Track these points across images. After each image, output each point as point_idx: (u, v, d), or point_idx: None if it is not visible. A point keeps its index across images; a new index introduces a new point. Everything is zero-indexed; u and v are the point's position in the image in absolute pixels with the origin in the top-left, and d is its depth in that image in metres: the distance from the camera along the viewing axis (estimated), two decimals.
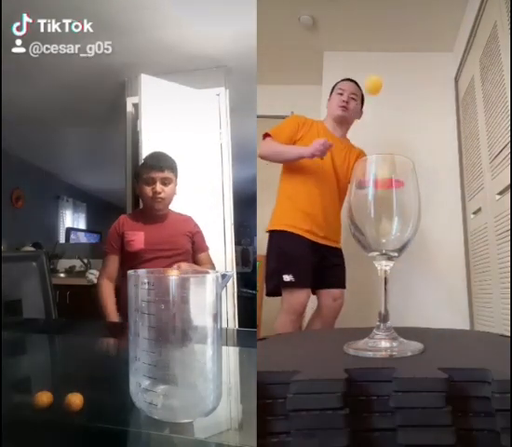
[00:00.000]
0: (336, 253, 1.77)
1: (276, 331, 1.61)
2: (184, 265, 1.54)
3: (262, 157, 1.74)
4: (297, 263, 1.64)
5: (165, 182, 1.68)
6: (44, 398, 0.55)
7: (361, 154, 1.83)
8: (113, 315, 1.60)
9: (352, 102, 1.81)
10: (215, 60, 2.76)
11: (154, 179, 1.67)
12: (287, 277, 1.61)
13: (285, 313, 1.63)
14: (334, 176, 1.75)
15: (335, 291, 1.74)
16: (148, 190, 1.68)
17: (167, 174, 1.68)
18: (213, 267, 1.80)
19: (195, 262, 1.77)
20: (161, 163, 1.70)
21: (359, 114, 1.87)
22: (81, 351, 0.96)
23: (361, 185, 0.58)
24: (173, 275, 1.50)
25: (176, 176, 1.74)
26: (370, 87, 1.71)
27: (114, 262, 1.70)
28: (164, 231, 1.71)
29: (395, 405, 0.42)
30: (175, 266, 1.51)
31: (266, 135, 1.77)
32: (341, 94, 1.81)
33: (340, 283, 1.76)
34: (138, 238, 1.67)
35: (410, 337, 0.57)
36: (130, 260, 1.68)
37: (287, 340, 0.74)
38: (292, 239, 1.66)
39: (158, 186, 1.67)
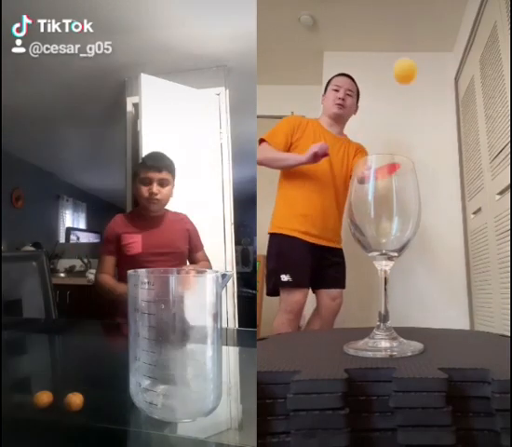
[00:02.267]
0: (336, 253, 1.76)
1: (275, 330, 1.61)
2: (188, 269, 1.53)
3: (260, 164, 1.74)
4: (294, 263, 1.65)
5: (162, 183, 1.65)
6: (44, 397, 0.55)
7: (360, 148, 1.82)
8: (121, 287, 1.55)
9: (348, 99, 1.79)
10: (215, 60, 2.76)
11: (151, 179, 1.64)
12: (284, 277, 1.62)
13: (283, 312, 1.64)
14: (333, 175, 1.74)
15: (334, 291, 1.74)
16: (144, 190, 1.65)
17: (164, 175, 1.65)
18: (209, 264, 1.80)
19: (192, 260, 1.77)
20: (159, 163, 1.66)
21: (355, 109, 1.85)
22: (81, 351, 0.96)
23: (361, 185, 0.58)
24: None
25: (174, 178, 1.70)
26: (401, 74, 1.50)
27: (110, 262, 1.67)
28: (161, 234, 1.69)
29: (395, 405, 0.42)
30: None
31: (262, 140, 1.76)
32: (336, 91, 1.79)
33: (338, 283, 1.76)
34: (135, 242, 1.64)
35: (410, 337, 0.57)
36: (127, 263, 1.63)
37: (287, 340, 0.74)
38: (290, 241, 1.67)
39: (155, 187, 1.63)
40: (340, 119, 1.83)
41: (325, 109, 1.84)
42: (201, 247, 1.81)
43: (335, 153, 1.75)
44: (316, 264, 1.69)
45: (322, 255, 1.71)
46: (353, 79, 1.83)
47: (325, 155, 1.60)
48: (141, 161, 1.74)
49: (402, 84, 1.46)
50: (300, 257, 1.66)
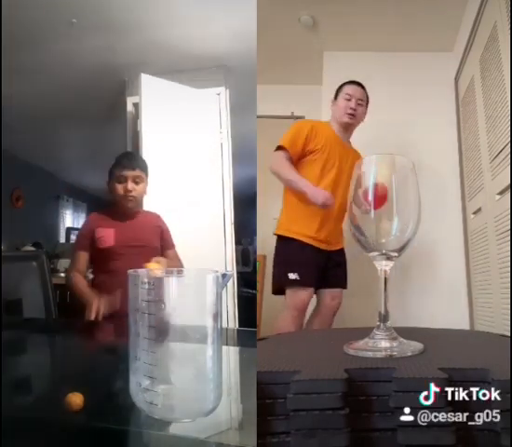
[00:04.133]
0: (339, 254, 1.81)
1: (279, 327, 1.64)
2: (163, 260, 1.59)
3: (272, 173, 1.74)
4: (302, 263, 1.70)
5: (136, 180, 1.71)
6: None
7: (359, 156, 1.83)
8: (90, 294, 1.57)
9: (359, 109, 1.81)
10: (215, 60, 2.75)
11: (126, 177, 1.70)
12: (292, 276, 1.66)
13: (288, 310, 1.68)
14: (341, 183, 1.74)
15: (334, 291, 1.79)
16: (120, 188, 1.71)
17: (138, 173, 1.72)
18: (181, 264, 1.82)
19: (164, 257, 1.77)
20: (133, 162, 1.74)
21: (364, 117, 1.86)
22: (81, 351, 0.96)
23: (361, 185, 0.58)
24: (155, 268, 1.39)
25: (147, 176, 1.77)
26: None
27: (83, 258, 1.71)
28: (134, 228, 1.74)
29: (395, 405, 0.42)
30: (154, 260, 1.53)
31: (279, 147, 1.74)
32: (348, 100, 1.80)
33: (340, 283, 1.80)
34: (108, 235, 1.69)
35: (410, 337, 0.57)
36: (100, 257, 1.70)
37: (287, 340, 0.74)
38: (299, 245, 1.71)
39: (130, 184, 1.70)
40: (349, 127, 1.85)
41: (335, 116, 1.84)
42: (172, 246, 1.84)
43: (345, 159, 1.76)
44: (322, 266, 1.73)
45: (327, 257, 1.75)
46: (364, 87, 1.84)
47: (327, 206, 1.66)
48: (114, 161, 1.79)
49: None
50: (308, 258, 1.70)
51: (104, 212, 1.81)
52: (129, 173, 1.70)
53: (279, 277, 1.71)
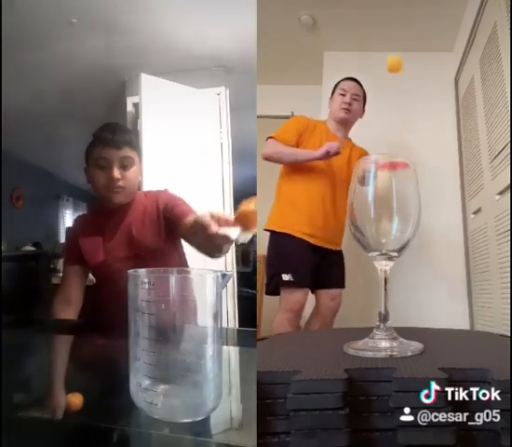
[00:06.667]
0: (335, 254, 1.79)
1: (274, 330, 1.62)
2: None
3: (266, 158, 1.74)
4: (296, 263, 1.66)
5: (125, 163, 1.21)
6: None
7: (363, 153, 1.83)
8: None
9: (354, 103, 1.81)
10: (215, 60, 2.76)
11: (110, 160, 1.20)
12: (285, 277, 1.63)
13: (283, 312, 1.65)
14: (335, 178, 1.74)
15: (333, 291, 1.77)
16: (102, 176, 1.22)
17: (126, 152, 1.22)
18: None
19: (184, 227, 1.18)
20: (118, 137, 1.21)
21: (362, 113, 1.87)
22: (81, 351, 0.96)
23: (361, 185, 0.58)
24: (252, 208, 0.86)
25: (139, 156, 1.29)
26: (392, 66, 1.76)
27: (74, 275, 1.31)
28: (127, 229, 1.27)
29: (395, 405, 0.42)
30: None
31: (270, 138, 1.76)
32: (343, 95, 1.81)
33: (338, 283, 1.78)
34: (94, 246, 1.27)
35: (410, 337, 0.57)
36: (95, 273, 1.33)
37: (287, 340, 0.74)
38: (292, 242, 1.67)
39: (115, 171, 1.20)
40: (346, 123, 1.85)
41: (331, 112, 1.85)
42: (189, 211, 1.24)
43: (342, 159, 1.76)
44: (317, 265, 1.70)
45: (323, 256, 1.73)
46: (360, 83, 1.85)
47: (337, 153, 1.63)
48: (93, 137, 1.26)
49: (393, 73, 1.76)
50: (302, 257, 1.67)
51: (91, 212, 1.40)
52: (114, 154, 1.19)
53: (273, 278, 1.67)
